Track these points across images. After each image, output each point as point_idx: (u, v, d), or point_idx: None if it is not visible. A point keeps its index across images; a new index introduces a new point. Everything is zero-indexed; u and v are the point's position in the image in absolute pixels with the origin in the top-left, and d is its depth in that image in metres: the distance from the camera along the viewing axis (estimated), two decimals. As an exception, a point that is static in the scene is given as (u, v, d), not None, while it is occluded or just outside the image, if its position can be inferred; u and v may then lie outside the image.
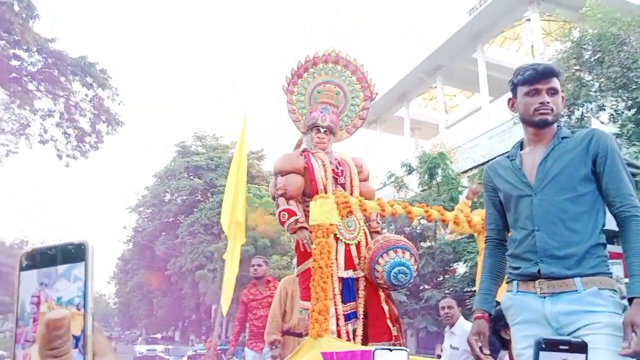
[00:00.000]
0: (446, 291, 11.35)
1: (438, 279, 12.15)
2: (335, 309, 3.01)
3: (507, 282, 1.93)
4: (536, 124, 1.91)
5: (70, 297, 0.44)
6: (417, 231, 12.54)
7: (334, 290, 3.02)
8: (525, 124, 1.96)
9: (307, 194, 3.30)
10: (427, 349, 14.51)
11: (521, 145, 2.02)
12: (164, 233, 32.09)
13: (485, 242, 2.07)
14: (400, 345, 3.09)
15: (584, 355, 0.73)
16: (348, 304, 3.11)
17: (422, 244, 12.42)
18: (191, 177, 31.67)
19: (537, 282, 1.76)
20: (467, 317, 4.48)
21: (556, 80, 1.91)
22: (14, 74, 15.75)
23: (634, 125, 8.90)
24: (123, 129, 17.46)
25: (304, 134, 3.60)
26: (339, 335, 2.97)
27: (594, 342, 1.63)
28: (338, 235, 3.11)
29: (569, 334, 1.68)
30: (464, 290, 11.02)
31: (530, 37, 16.94)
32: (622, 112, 9.11)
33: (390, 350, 0.91)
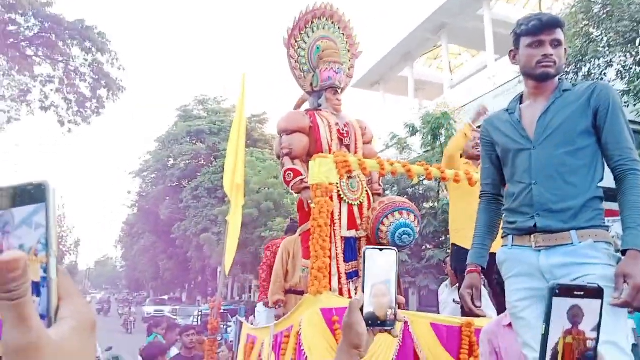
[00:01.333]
0: (447, 250, 11.47)
1: (440, 239, 12.24)
2: (338, 267, 3.06)
3: (502, 237, 1.93)
4: (538, 77, 1.86)
5: (32, 244, 0.42)
6: (420, 192, 12.57)
7: (336, 250, 3.07)
8: (526, 77, 1.92)
9: (312, 153, 3.26)
10: (428, 306, 14.78)
11: (521, 98, 1.97)
12: (168, 197, 32.30)
13: (480, 197, 2.05)
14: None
15: (599, 301, 0.69)
16: (350, 263, 3.17)
17: (424, 204, 12.47)
18: (194, 142, 31.60)
19: (532, 235, 1.77)
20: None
21: (560, 31, 1.85)
22: (11, 40, 15.50)
23: (641, 82, 8.72)
24: (124, 94, 17.31)
25: (309, 93, 3.52)
26: (340, 293, 3.01)
27: (596, 274, 1.66)
28: (342, 195, 3.14)
29: None
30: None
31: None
32: (631, 68, 8.91)
33: (381, 250, 0.89)
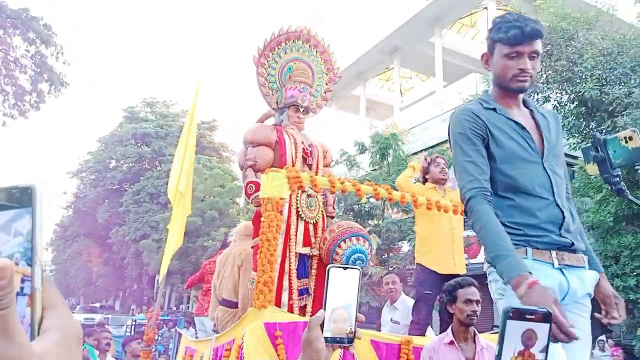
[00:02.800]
0: (390, 268, 11.69)
1: (383, 257, 12.47)
2: (290, 282, 3.10)
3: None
4: (512, 90, 1.78)
5: (10, 252, 0.39)
6: (366, 209, 12.78)
7: (290, 265, 3.12)
8: (498, 87, 1.82)
9: (276, 167, 3.29)
10: (369, 323, 14.94)
11: (493, 100, 1.83)
12: (107, 200, 31.01)
13: (475, 196, 1.67)
14: None
15: (548, 325, 0.75)
16: (301, 280, 3.21)
17: (369, 221, 12.68)
18: (139, 145, 30.62)
19: (554, 252, 1.66)
20: (408, 294, 4.65)
21: (540, 41, 1.74)
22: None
23: (575, 118, 9.37)
24: (67, 90, 16.55)
25: (275, 109, 3.57)
26: (290, 309, 3.01)
27: (581, 324, 1.65)
28: (300, 213, 3.21)
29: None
30: (407, 267, 11.39)
31: (487, 25, 17.33)
32: (566, 105, 9.55)
33: (344, 269, 0.91)
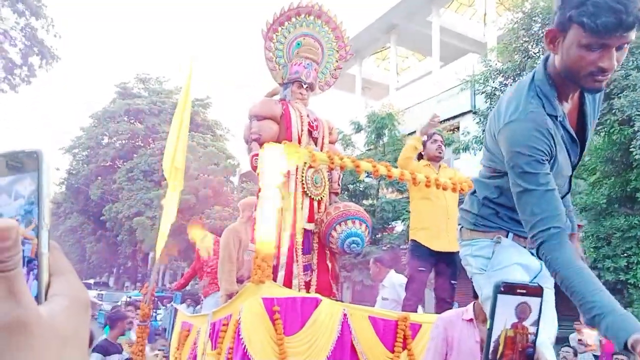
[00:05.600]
0: (383, 248, 11.77)
1: (377, 236, 12.54)
2: (296, 258, 3.14)
3: (488, 231, 1.73)
4: (587, 91, 1.48)
5: (10, 215, 0.38)
6: (360, 189, 12.80)
7: (296, 241, 3.16)
8: (564, 77, 1.46)
9: (281, 141, 3.29)
10: (362, 301, 15.11)
11: (556, 90, 1.50)
12: (100, 177, 30.80)
13: (552, 234, 1.37)
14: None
15: (539, 299, 0.75)
16: (306, 256, 3.25)
17: (364, 201, 12.71)
18: (132, 121, 30.31)
19: (528, 239, 1.58)
20: (402, 272, 4.70)
21: (635, 31, 1.31)
22: None
23: (571, 100, 9.33)
24: (59, 64, 16.26)
25: (281, 85, 3.56)
26: (289, 286, 3.04)
27: (549, 295, 1.70)
28: (305, 189, 3.24)
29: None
30: (400, 247, 11.46)
31: (484, 5, 17.14)
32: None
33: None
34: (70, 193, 35.04)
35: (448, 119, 14.63)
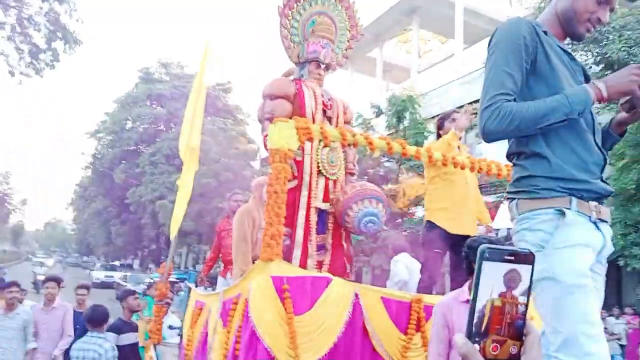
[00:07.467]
0: (404, 232, 11.67)
1: (396, 221, 12.44)
2: (310, 237, 3.12)
3: (548, 198, 1.53)
4: (572, 35, 1.66)
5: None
6: (380, 173, 12.67)
7: (310, 220, 3.14)
8: (558, 22, 1.67)
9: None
10: (382, 285, 15.12)
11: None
12: (124, 161, 31.35)
13: (498, 101, 1.51)
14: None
15: (530, 267, 0.66)
16: (320, 235, 3.22)
17: (384, 186, 12.59)
18: (154, 106, 30.66)
19: (593, 203, 1.53)
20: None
21: None
22: (-42, -22, 14.36)
23: (600, 81, 9.01)
24: (81, 49, 16.43)
25: (296, 63, 3.51)
26: (304, 265, 3.02)
27: (600, 283, 1.58)
28: (320, 168, 3.21)
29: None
30: (420, 232, 11.37)
31: (510, -15, 16.61)
32: (591, 67, 9.18)
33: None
34: (96, 177, 35.83)
35: (471, 102, 14.33)
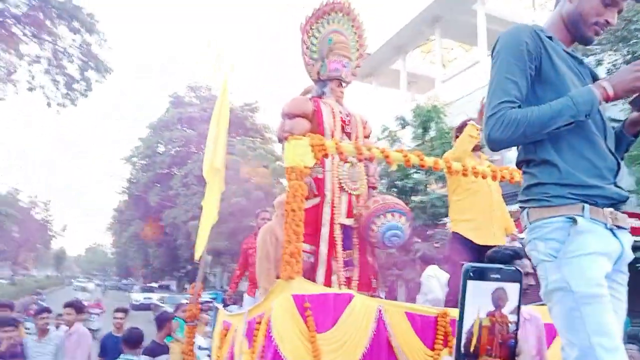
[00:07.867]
0: (435, 244, 11.47)
1: (428, 232, 12.25)
2: (335, 254, 3.15)
3: (559, 205, 1.48)
4: (580, 39, 1.64)
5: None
6: (409, 185, 12.54)
7: (334, 236, 3.18)
8: (565, 25, 1.64)
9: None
10: (414, 298, 14.85)
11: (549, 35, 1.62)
12: (158, 184, 32.10)
13: (503, 109, 1.50)
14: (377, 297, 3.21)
15: (518, 285, 0.65)
16: (346, 252, 3.24)
17: (413, 198, 12.45)
18: (184, 129, 31.39)
19: (607, 210, 1.47)
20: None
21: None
22: (-2, 18, 15.21)
23: (631, 80, 8.71)
24: (112, 77, 17.09)
25: (315, 80, 3.59)
26: (328, 282, 3.02)
27: (623, 294, 1.51)
28: (342, 184, 3.26)
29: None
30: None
31: (533, -12, 16.38)
32: (620, 67, 8.91)
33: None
34: (132, 201, 36.75)
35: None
